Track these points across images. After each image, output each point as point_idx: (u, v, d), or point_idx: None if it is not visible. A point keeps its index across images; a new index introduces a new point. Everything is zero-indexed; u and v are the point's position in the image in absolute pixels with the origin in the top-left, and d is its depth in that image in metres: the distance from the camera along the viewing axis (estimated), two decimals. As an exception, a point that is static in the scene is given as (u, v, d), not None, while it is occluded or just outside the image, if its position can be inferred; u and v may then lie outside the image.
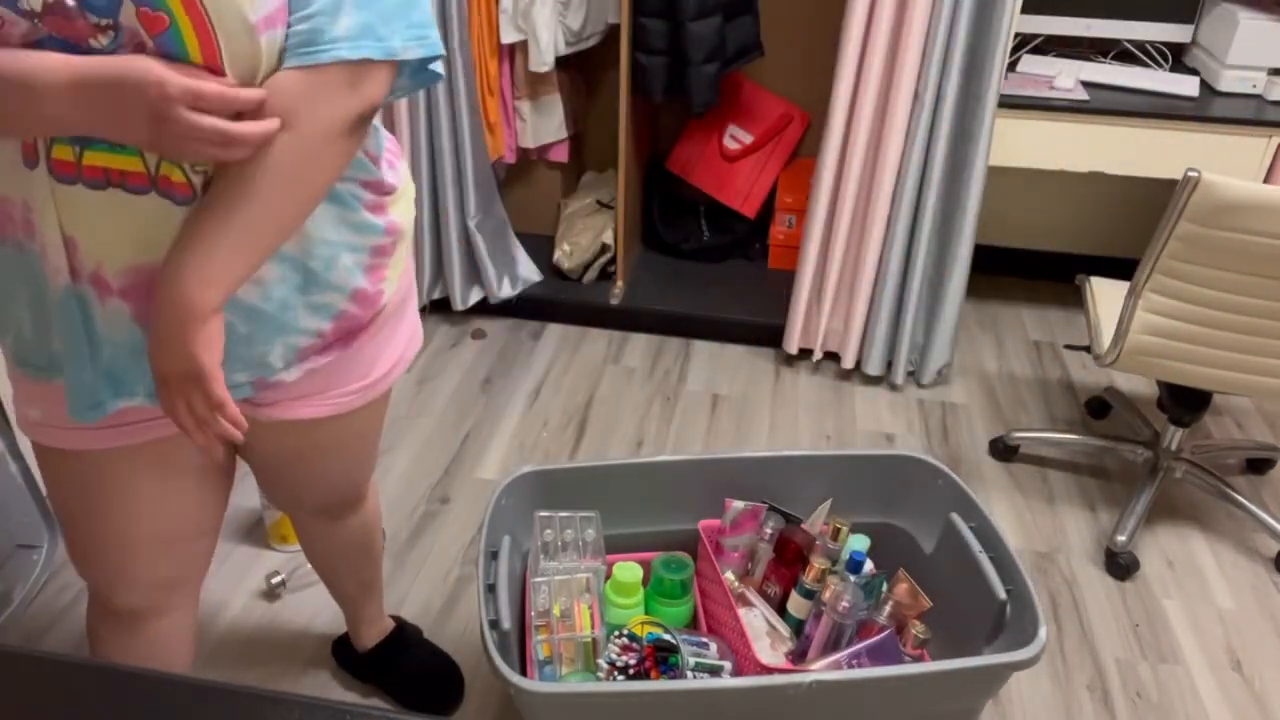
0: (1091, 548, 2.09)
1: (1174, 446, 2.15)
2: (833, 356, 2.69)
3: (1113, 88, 2.41)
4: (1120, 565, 2.00)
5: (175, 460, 1.14)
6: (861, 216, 2.44)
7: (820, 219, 2.47)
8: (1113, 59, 2.58)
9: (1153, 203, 2.99)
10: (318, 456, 1.26)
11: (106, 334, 0.99)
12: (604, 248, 2.83)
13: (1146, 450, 2.20)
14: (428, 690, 1.71)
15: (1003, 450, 2.34)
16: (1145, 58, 2.58)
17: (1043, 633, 1.35)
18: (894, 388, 2.61)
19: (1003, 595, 1.45)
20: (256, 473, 1.31)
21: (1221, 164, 2.31)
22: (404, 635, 1.74)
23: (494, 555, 1.48)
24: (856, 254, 2.49)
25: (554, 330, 2.81)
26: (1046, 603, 1.96)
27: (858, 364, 2.63)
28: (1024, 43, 2.62)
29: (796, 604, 1.60)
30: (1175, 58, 2.61)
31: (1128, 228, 3.04)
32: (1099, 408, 2.52)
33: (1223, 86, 2.39)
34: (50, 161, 0.90)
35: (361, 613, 1.67)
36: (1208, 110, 2.31)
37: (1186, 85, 2.40)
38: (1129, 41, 2.60)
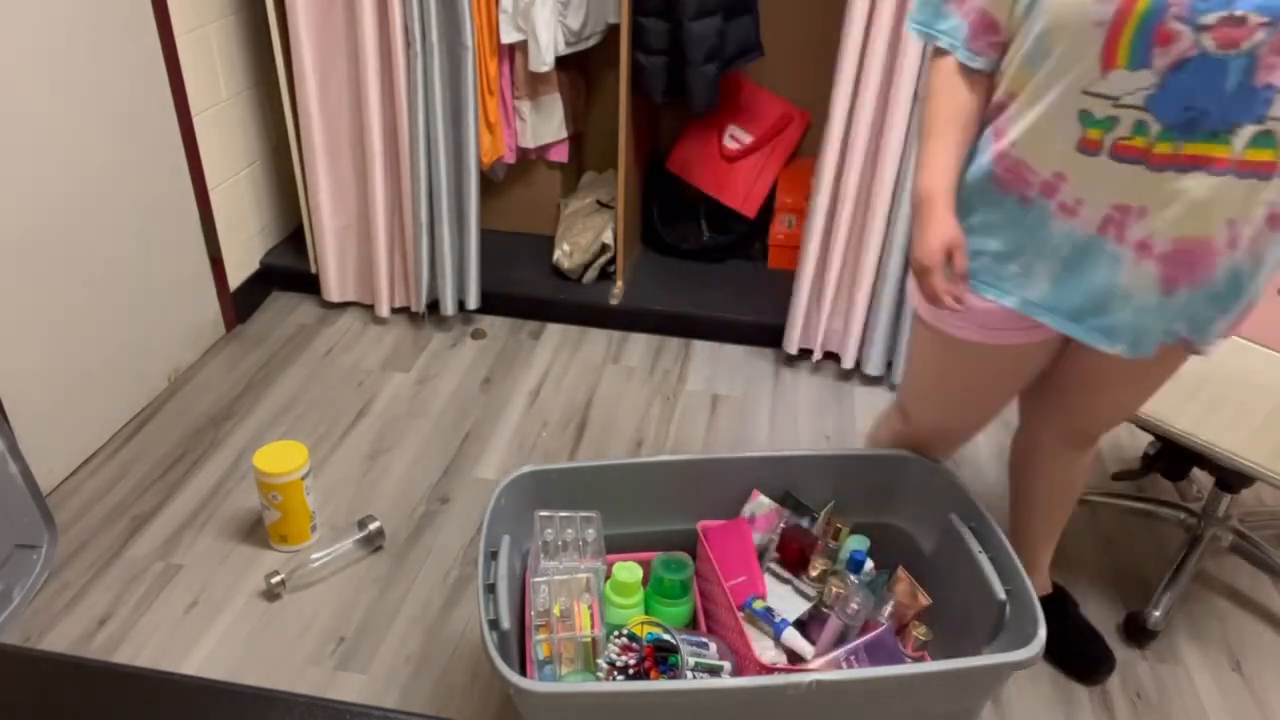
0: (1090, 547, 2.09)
1: (1221, 514, 2.00)
2: (833, 356, 2.69)
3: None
4: (1146, 632, 1.87)
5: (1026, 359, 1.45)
6: (861, 216, 2.44)
7: (820, 219, 2.47)
8: (1113, 59, 2.57)
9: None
10: (1123, 384, 1.51)
11: (1128, 287, 1.23)
12: (604, 248, 2.83)
13: (1190, 516, 2.05)
14: (1081, 656, 1.81)
15: None
16: (1145, 58, 2.57)
17: (1042, 633, 1.36)
18: (894, 388, 2.61)
19: (1002, 595, 1.45)
20: (1063, 385, 1.56)
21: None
22: (1064, 600, 1.86)
23: (494, 555, 1.48)
24: (856, 254, 2.49)
25: (554, 330, 2.81)
26: (1046, 603, 1.96)
27: (858, 364, 2.62)
28: (1024, 43, 2.62)
29: (796, 604, 1.60)
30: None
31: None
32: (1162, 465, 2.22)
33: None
34: (1114, 150, 1.15)
35: (1038, 560, 1.81)
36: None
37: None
38: (1129, 41, 2.60)
